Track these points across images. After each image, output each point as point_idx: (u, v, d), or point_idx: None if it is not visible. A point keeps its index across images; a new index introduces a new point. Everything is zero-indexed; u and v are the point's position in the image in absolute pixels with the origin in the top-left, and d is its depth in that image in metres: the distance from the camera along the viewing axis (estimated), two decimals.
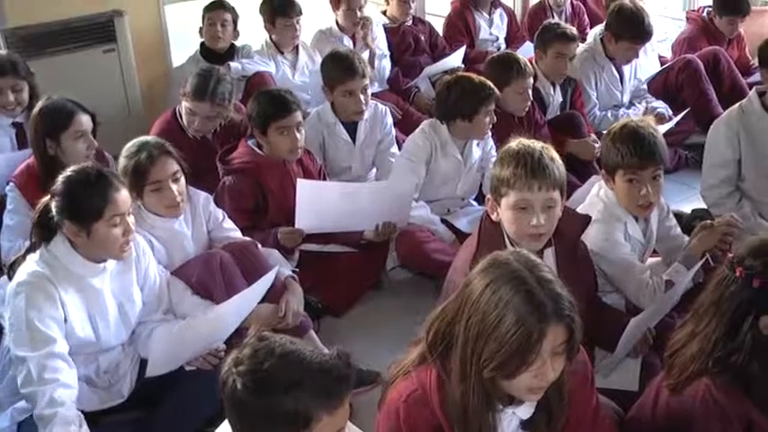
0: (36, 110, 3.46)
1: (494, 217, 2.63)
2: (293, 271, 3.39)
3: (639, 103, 5.11)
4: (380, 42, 5.49)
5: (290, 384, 1.72)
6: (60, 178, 2.65)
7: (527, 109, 4.26)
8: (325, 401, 1.74)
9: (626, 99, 5.09)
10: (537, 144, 2.59)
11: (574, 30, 4.69)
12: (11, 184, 3.48)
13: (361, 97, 4.04)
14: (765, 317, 2.10)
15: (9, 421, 2.74)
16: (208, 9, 4.99)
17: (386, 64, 5.48)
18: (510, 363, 1.85)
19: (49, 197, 2.65)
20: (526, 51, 4.97)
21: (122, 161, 3.09)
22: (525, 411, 2.03)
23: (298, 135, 3.63)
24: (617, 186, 3.01)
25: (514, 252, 2.00)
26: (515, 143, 2.59)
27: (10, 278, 2.70)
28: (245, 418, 1.78)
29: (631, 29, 4.72)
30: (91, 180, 2.62)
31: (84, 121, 3.44)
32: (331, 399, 1.75)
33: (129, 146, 3.11)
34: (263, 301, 3.10)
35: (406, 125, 4.73)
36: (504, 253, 2.00)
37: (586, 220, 2.82)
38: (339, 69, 4.03)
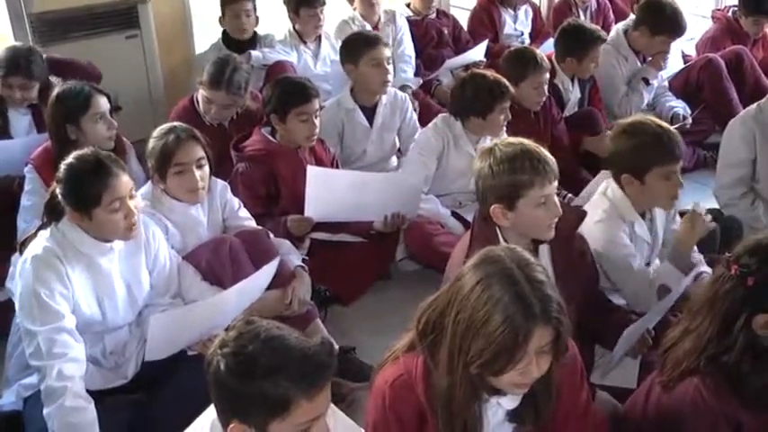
0: (53, 96, 3.49)
1: (504, 224, 2.61)
2: (303, 259, 3.42)
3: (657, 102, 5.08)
4: (405, 35, 5.49)
5: (271, 369, 1.75)
6: (62, 165, 2.69)
7: (542, 104, 4.25)
8: (305, 387, 1.76)
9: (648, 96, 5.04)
10: (526, 141, 2.60)
11: (599, 31, 4.68)
12: (29, 165, 3.53)
13: (388, 67, 4.09)
14: (758, 316, 2.10)
15: (15, 397, 2.79)
16: (229, 1, 4.97)
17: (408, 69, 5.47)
18: (496, 361, 1.87)
19: (56, 182, 2.69)
20: (550, 47, 4.96)
21: (151, 142, 3.15)
22: (510, 402, 2.05)
23: (316, 122, 3.68)
24: (648, 185, 2.97)
25: (507, 248, 2.01)
26: (501, 147, 2.58)
27: (21, 254, 2.75)
28: (226, 398, 1.82)
29: (670, 24, 4.74)
30: (88, 168, 2.65)
31: (102, 102, 3.49)
32: (311, 385, 1.77)
33: (160, 128, 3.18)
34: (271, 288, 3.12)
35: (426, 118, 4.74)
36: (498, 248, 2.01)
37: (582, 214, 2.82)
38: (360, 42, 4.11)
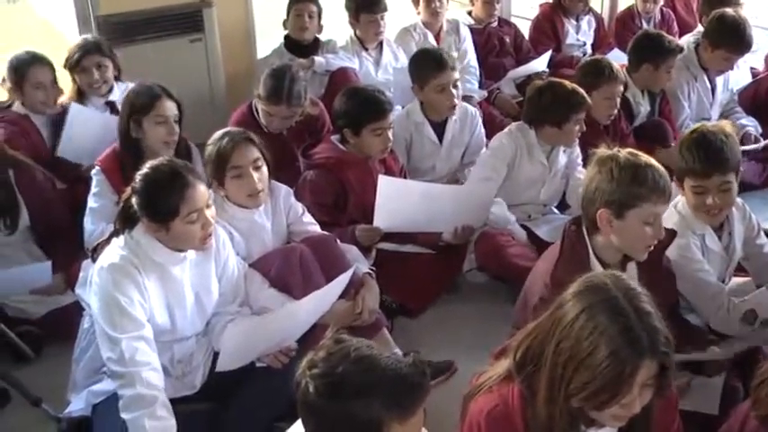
0: (126, 93, 3.54)
1: (606, 231, 2.57)
2: (370, 269, 3.37)
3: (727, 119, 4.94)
4: (467, 43, 5.44)
5: (362, 390, 1.70)
6: (138, 175, 2.66)
7: (613, 117, 4.18)
8: (398, 410, 1.71)
9: (716, 112, 4.94)
10: (637, 153, 2.58)
11: (678, 41, 4.59)
12: (96, 168, 3.52)
13: (453, 91, 4.03)
14: None
15: (84, 403, 2.78)
16: (295, 1, 4.99)
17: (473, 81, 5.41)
18: (600, 394, 1.80)
19: (130, 190, 2.66)
20: (614, 59, 4.86)
21: (208, 149, 3.14)
22: None
23: (389, 134, 3.66)
24: (686, 194, 2.96)
25: (612, 276, 1.93)
26: (625, 155, 2.56)
27: (93, 260, 2.74)
28: (316, 420, 1.76)
29: (732, 39, 4.59)
30: (165, 179, 2.62)
31: (169, 106, 3.48)
32: (404, 408, 1.72)
33: (215, 135, 3.16)
34: (339, 297, 3.07)
35: (488, 127, 4.68)
36: (601, 276, 1.94)
37: (672, 234, 2.76)
38: (428, 65, 4.03)
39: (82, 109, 4.04)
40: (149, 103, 3.44)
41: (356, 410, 1.69)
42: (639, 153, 2.60)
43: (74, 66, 4.11)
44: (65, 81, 4.22)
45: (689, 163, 2.90)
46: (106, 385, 2.70)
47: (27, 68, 3.95)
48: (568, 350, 1.82)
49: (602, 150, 2.62)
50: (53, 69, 4.04)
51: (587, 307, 1.83)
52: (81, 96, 4.17)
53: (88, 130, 3.90)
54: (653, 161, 2.56)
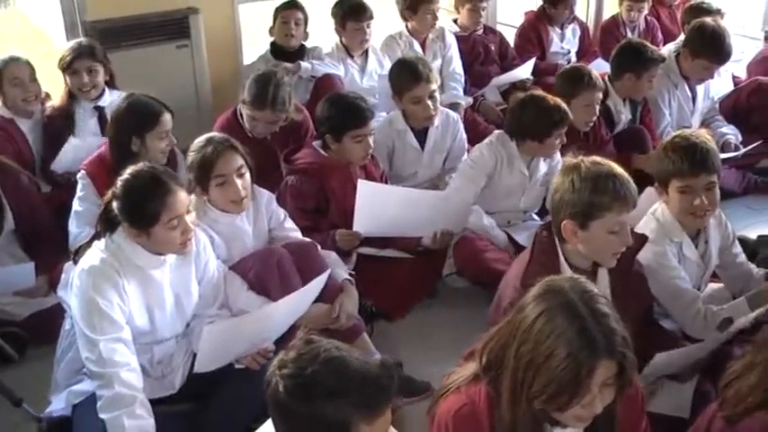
0: (123, 105, 3.53)
1: (572, 241, 2.60)
2: (350, 274, 3.41)
3: (708, 127, 4.98)
4: (453, 51, 5.47)
5: (330, 392, 1.71)
6: (119, 181, 2.69)
7: (592, 124, 4.22)
8: (365, 411, 1.73)
9: (696, 120, 4.97)
10: (613, 165, 2.59)
11: (660, 51, 4.63)
12: (82, 171, 3.57)
13: (429, 103, 4.05)
14: None
15: (65, 403, 2.80)
16: (282, 8, 5.04)
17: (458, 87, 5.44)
18: (560, 396, 1.83)
19: (111, 195, 2.69)
20: (597, 67, 4.92)
21: (190, 156, 3.16)
22: None
23: (370, 141, 3.70)
24: (670, 198, 2.99)
25: (571, 279, 1.97)
26: (588, 165, 2.57)
27: (75, 263, 2.77)
28: (284, 420, 1.78)
29: (711, 48, 4.61)
30: (147, 185, 2.65)
31: (168, 120, 3.53)
32: (371, 409, 1.73)
33: (197, 141, 3.18)
34: (318, 301, 3.11)
35: (472, 134, 4.72)
36: (561, 279, 1.97)
37: (643, 239, 2.79)
38: (405, 76, 4.06)
39: (78, 144, 4.05)
40: (154, 119, 3.48)
41: (325, 411, 1.71)
42: (603, 162, 2.59)
43: (65, 67, 4.16)
44: (58, 86, 4.29)
45: (676, 164, 2.92)
46: (86, 386, 2.73)
47: (4, 67, 4.04)
48: (528, 353, 1.85)
49: (568, 159, 2.65)
50: (32, 68, 4.11)
51: (545, 310, 1.86)
52: (71, 98, 4.21)
53: (84, 152, 3.88)
54: (617, 170, 2.56)
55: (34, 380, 3.11)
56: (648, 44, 4.68)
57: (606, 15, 6.52)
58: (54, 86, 4.39)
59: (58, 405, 2.84)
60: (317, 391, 1.72)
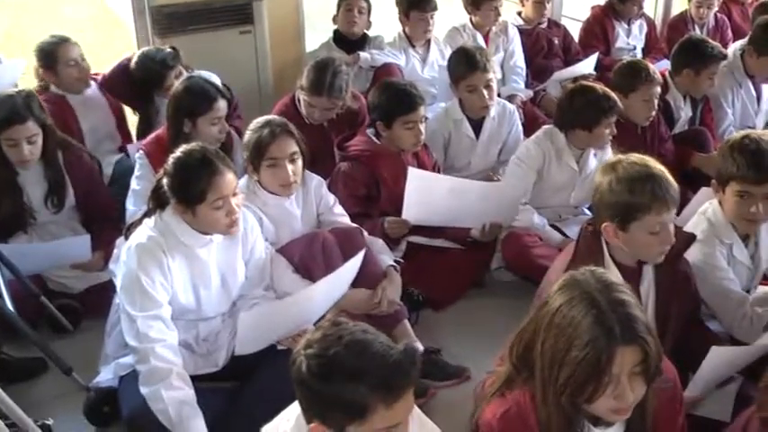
0: (180, 87, 3.61)
1: (614, 242, 2.57)
2: (396, 261, 3.43)
3: None
4: (515, 44, 5.46)
5: (350, 374, 1.75)
6: (171, 158, 2.76)
7: (651, 120, 4.15)
8: (384, 394, 1.76)
9: (761, 120, 4.87)
10: (652, 163, 2.54)
11: (721, 48, 4.54)
12: (140, 151, 3.65)
13: (485, 92, 4.05)
14: None
15: (112, 374, 2.90)
16: None
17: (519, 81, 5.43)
18: (584, 387, 1.83)
19: (163, 172, 2.76)
20: (663, 65, 4.85)
21: (247, 135, 3.22)
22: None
23: (421, 128, 3.69)
24: (725, 198, 2.92)
25: (590, 271, 1.95)
26: (625, 165, 2.52)
27: (126, 239, 2.84)
28: (306, 398, 1.83)
29: None
30: (196, 164, 2.70)
31: (222, 106, 3.58)
32: (390, 392, 1.76)
33: (256, 121, 3.24)
34: (361, 286, 3.15)
35: (531, 128, 4.69)
36: (580, 272, 1.96)
37: (691, 237, 2.75)
38: (462, 64, 4.07)
39: None
40: (207, 105, 3.54)
41: (344, 392, 1.75)
42: (642, 161, 2.53)
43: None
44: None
45: (741, 168, 2.83)
46: (132, 359, 2.78)
47: (57, 49, 4.16)
48: (550, 349, 1.86)
49: (609, 158, 2.62)
50: (79, 47, 4.25)
51: (564, 303, 1.87)
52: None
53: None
54: (655, 170, 2.50)
55: (85, 351, 3.21)
56: (710, 41, 4.59)
57: (675, 12, 6.42)
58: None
59: (106, 376, 2.93)
60: (336, 371, 1.76)
